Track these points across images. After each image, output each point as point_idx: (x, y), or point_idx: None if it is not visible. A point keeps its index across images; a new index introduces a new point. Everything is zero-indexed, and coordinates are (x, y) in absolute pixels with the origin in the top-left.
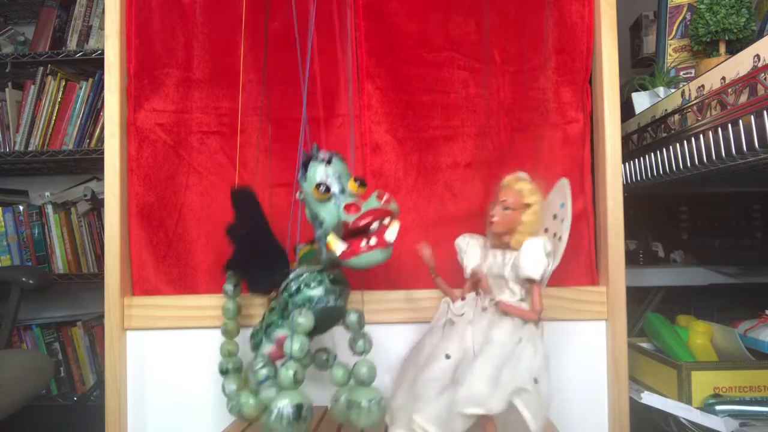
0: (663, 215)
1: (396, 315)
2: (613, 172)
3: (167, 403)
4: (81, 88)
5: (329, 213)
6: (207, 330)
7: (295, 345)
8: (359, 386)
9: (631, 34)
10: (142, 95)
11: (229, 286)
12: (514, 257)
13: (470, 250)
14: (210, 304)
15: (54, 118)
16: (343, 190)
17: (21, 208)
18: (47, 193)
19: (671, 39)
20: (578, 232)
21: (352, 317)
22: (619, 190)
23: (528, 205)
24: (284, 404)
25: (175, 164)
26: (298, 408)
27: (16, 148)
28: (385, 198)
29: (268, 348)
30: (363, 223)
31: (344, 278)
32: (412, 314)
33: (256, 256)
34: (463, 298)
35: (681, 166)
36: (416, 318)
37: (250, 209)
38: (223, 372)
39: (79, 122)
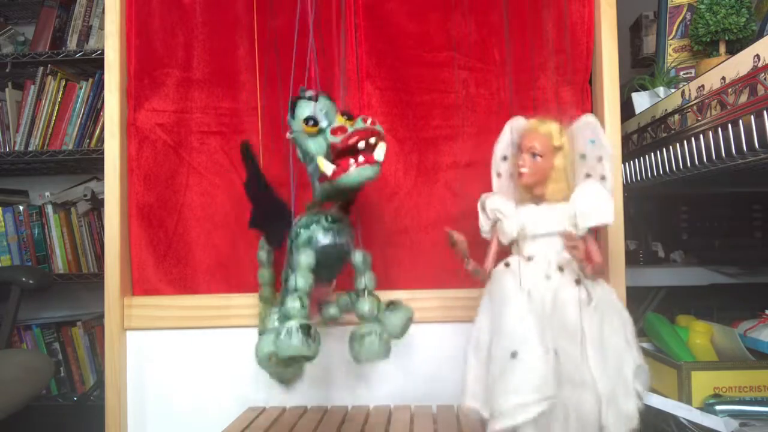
0: (663, 215)
1: None
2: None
3: (167, 403)
4: (81, 88)
5: (319, 146)
6: (207, 330)
7: (300, 280)
8: (362, 321)
9: (631, 34)
10: (142, 95)
11: (262, 254)
12: (563, 208)
13: (506, 209)
14: (210, 304)
15: (54, 118)
16: (330, 125)
17: (21, 208)
18: (47, 193)
19: (671, 39)
20: None
21: (357, 257)
22: (619, 190)
23: (558, 148)
24: (292, 324)
25: (175, 164)
26: (307, 327)
27: (16, 148)
28: (370, 120)
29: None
30: (351, 141)
31: (343, 217)
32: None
33: (265, 213)
34: (507, 265)
35: (681, 166)
36: (416, 318)
37: (252, 167)
38: (261, 334)
39: (79, 122)
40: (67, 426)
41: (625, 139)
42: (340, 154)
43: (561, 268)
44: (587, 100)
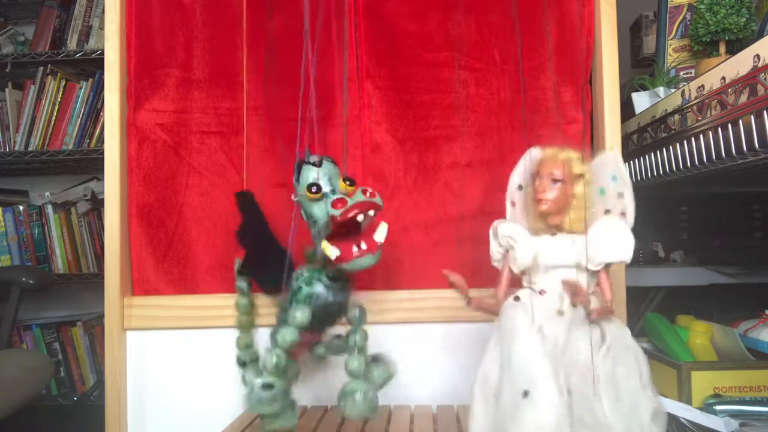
0: (663, 215)
1: (396, 315)
2: None
3: (167, 403)
4: (81, 88)
5: (321, 212)
6: (207, 330)
7: (286, 336)
8: (351, 379)
9: (631, 34)
10: (142, 95)
11: (242, 284)
12: (579, 241)
13: (520, 238)
14: (210, 304)
15: (54, 118)
16: (334, 191)
17: (21, 208)
18: (47, 193)
19: (671, 39)
20: None
21: (354, 313)
22: None
23: (580, 176)
24: (257, 382)
25: (175, 164)
26: (269, 387)
27: (16, 148)
28: (369, 192)
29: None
30: (350, 216)
31: (344, 275)
32: (412, 314)
33: (262, 259)
34: (517, 298)
35: (681, 166)
36: (416, 318)
37: (251, 212)
38: (242, 364)
39: (79, 122)
40: (67, 426)
41: (625, 139)
42: (340, 226)
43: (575, 304)
44: (587, 100)
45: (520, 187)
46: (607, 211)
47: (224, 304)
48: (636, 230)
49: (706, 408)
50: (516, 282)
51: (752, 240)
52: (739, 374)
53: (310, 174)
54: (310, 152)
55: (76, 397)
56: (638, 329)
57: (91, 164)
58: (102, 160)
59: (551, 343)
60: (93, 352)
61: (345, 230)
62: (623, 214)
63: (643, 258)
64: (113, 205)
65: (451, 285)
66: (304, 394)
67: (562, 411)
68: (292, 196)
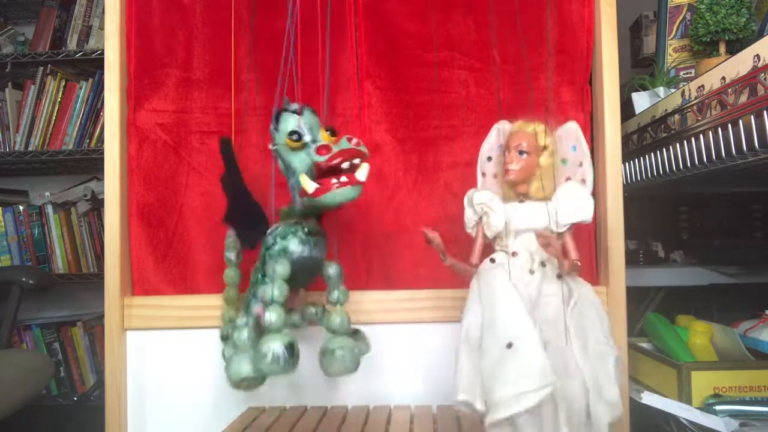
0: (663, 215)
1: (396, 315)
2: (613, 172)
3: (167, 403)
4: (81, 88)
5: (301, 162)
6: (207, 330)
7: (275, 291)
8: (333, 335)
9: (631, 34)
10: (142, 95)
11: (231, 254)
12: (545, 206)
13: (494, 205)
14: (210, 304)
15: (54, 118)
16: (314, 140)
17: (21, 208)
18: (47, 193)
19: (671, 39)
20: (578, 232)
21: (331, 270)
22: (619, 190)
23: (544, 148)
24: (276, 346)
25: (175, 164)
26: (290, 346)
27: (16, 148)
28: (354, 140)
29: (255, 307)
30: (335, 162)
31: (320, 230)
32: (412, 314)
33: (241, 213)
34: (493, 260)
35: (681, 166)
36: (416, 318)
37: (230, 163)
38: (224, 338)
39: (79, 122)
40: (67, 426)
41: (625, 139)
42: (323, 173)
43: (543, 264)
44: (587, 100)
45: (489, 159)
46: (568, 179)
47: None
48: (636, 230)
49: (706, 408)
50: (487, 248)
51: (752, 240)
52: (739, 374)
53: (290, 122)
54: (288, 100)
55: (76, 397)
56: (638, 329)
57: (91, 164)
58: (102, 160)
59: (525, 299)
60: (93, 352)
61: (330, 174)
62: (583, 181)
63: (643, 258)
64: (113, 205)
65: (428, 242)
66: (304, 394)
67: (545, 360)
68: (270, 145)
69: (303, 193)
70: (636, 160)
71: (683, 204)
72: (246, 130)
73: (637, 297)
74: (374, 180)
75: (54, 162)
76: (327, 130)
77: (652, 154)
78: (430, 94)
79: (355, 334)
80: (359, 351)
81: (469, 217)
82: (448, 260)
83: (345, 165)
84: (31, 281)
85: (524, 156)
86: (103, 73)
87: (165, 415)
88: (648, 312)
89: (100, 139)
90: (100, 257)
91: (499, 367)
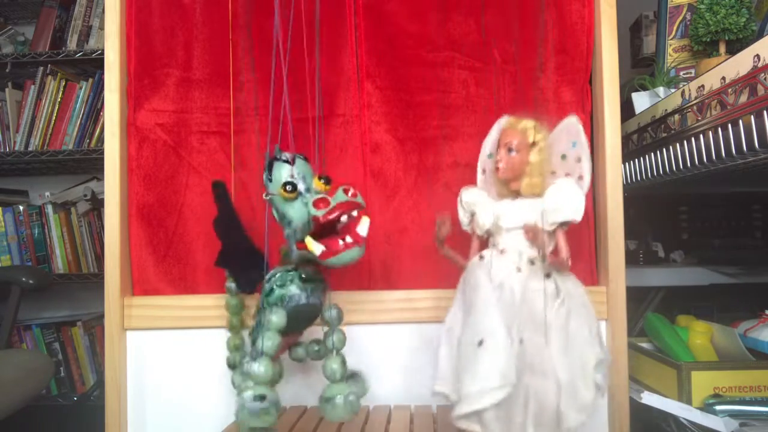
0: (663, 215)
1: (396, 315)
2: (613, 172)
3: (167, 403)
4: (81, 88)
5: (296, 212)
6: (207, 330)
7: (267, 342)
8: (331, 383)
9: (631, 34)
10: (142, 95)
11: (231, 284)
12: (537, 203)
13: (482, 202)
14: (210, 304)
15: (54, 118)
16: (308, 189)
17: (21, 208)
18: (47, 193)
19: (671, 39)
20: (578, 232)
21: (332, 313)
22: (619, 190)
23: (534, 144)
24: (247, 395)
25: (175, 164)
26: (261, 398)
27: (16, 148)
28: (351, 192)
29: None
30: (333, 216)
31: (318, 275)
32: (411, 314)
33: (236, 255)
34: (481, 257)
35: (681, 166)
36: (416, 318)
37: (225, 206)
38: (231, 366)
39: (79, 122)
40: (67, 426)
41: (625, 139)
42: (321, 226)
43: (532, 261)
44: (587, 100)
45: (490, 156)
46: (567, 175)
47: (224, 304)
48: (636, 230)
49: (706, 408)
50: (485, 245)
51: (752, 240)
52: (739, 374)
53: (283, 172)
54: (280, 150)
55: (76, 397)
56: (638, 329)
57: (91, 164)
58: (102, 160)
59: (509, 296)
60: (93, 352)
61: (325, 231)
62: (581, 177)
63: (643, 258)
64: (113, 205)
65: (438, 226)
66: (304, 394)
67: (512, 358)
68: (264, 195)
69: (300, 245)
70: (636, 160)
71: (683, 204)
72: (246, 130)
73: (637, 297)
74: (374, 180)
75: (54, 162)
76: (321, 179)
77: (652, 154)
78: (430, 94)
79: (353, 377)
80: (356, 397)
81: (461, 215)
82: (444, 250)
83: (343, 218)
84: (31, 281)
85: (513, 153)
86: (103, 73)
87: (165, 415)
88: (648, 312)
89: (100, 139)
90: (100, 257)
91: (469, 362)
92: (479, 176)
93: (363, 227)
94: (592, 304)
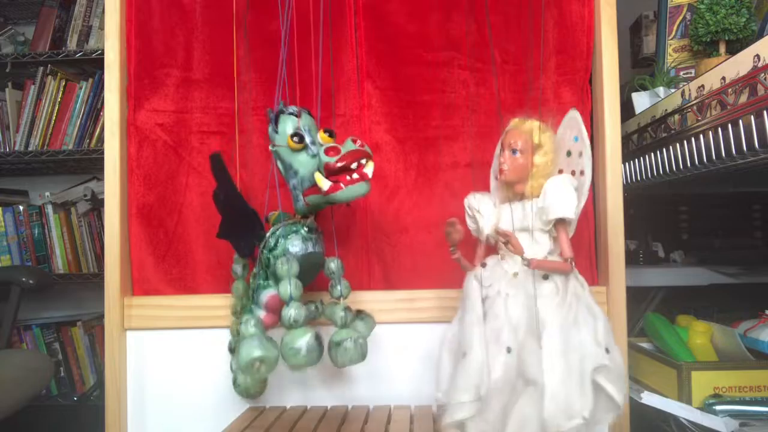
0: (663, 215)
1: (396, 315)
2: (613, 172)
3: (167, 403)
4: (81, 88)
5: (303, 163)
6: (207, 330)
7: (292, 288)
8: (340, 328)
9: (631, 34)
10: (142, 95)
11: (237, 267)
12: (535, 204)
13: (484, 208)
14: (210, 304)
15: (54, 118)
16: (314, 142)
17: (21, 208)
18: (47, 193)
19: (671, 39)
20: (578, 232)
21: (332, 264)
22: (619, 190)
23: (539, 146)
24: (308, 338)
25: (175, 164)
26: (318, 337)
27: (16, 148)
28: (359, 142)
29: (258, 313)
30: (345, 162)
31: (318, 226)
32: (412, 314)
33: (235, 222)
34: (484, 265)
35: (681, 166)
36: (416, 318)
37: (221, 175)
38: (232, 350)
39: (79, 122)
40: (67, 426)
41: (625, 139)
42: (333, 172)
43: (527, 264)
44: (587, 100)
45: None
46: (572, 172)
47: (224, 304)
48: (636, 230)
49: (706, 408)
50: (493, 251)
51: (752, 240)
52: (739, 374)
53: (290, 124)
54: (285, 103)
55: (76, 397)
56: (638, 329)
57: (91, 164)
58: (102, 160)
59: (502, 304)
60: (93, 352)
61: (338, 173)
62: (582, 172)
63: (643, 258)
64: (113, 205)
65: (448, 230)
66: (304, 394)
67: (481, 377)
68: (270, 146)
69: (309, 191)
70: (636, 160)
71: (683, 204)
72: (246, 130)
73: (637, 297)
74: (374, 180)
75: (54, 162)
76: (325, 132)
77: (652, 154)
78: (430, 94)
79: (359, 315)
80: (365, 340)
81: (468, 221)
82: (456, 254)
83: (353, 165)
84: (31, 281)
85: (517, 155)
86: (103, 73)
87: (165, 415)
88: (648, 312)
89: (100, 139)
90: (100, 257)
91: (455, 374)
92: (492, 181)
93: (369, 169)
94: (598, 306)
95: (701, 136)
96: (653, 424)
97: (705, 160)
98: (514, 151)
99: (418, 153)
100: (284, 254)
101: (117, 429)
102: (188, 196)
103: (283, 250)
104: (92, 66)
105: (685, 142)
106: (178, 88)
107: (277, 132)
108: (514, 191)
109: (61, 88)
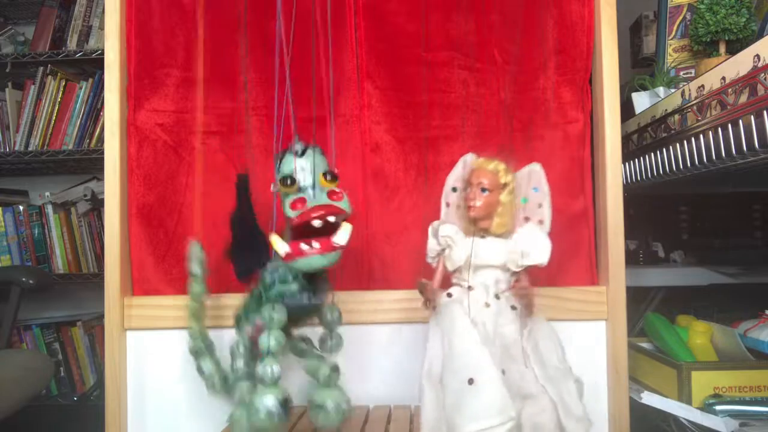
0: (663, 215)
1: (395, 315)
2: (613, 172)
3: (167, 403)
4: (81, 88)
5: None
6: (207, 330)
7: (272, 341)
8: (323, 387)
9: (631, 34)
10: (142, 95)
11: (196, 267)
12: (508, 244)
13: (457, 239)
14: (210, 304)
15: (54, 118)
16: (313, 185)
17: (21, 208)
18: (47, 193)
19: (671, 39)
20: (578, 232)
21: (331, 315)
22: (619, 190)
23: (505, 185)
24: (270, 401)
25: (175, 164)
26: (285, 402)
27: (16, 148)
28: (336, 194)
29: (247, 329)
30: (303, 220)
31: (322, 273)
32: (411, 314)
33: (240, 245)
34: (449, 295)
35: (681, 166)
36: (416, 318)
37: (244, 196)
38: (193, 352)
39: (79, 122)
40: (67, 426)
41: (625, 139)
42: (297, 230)
43: (498, 296)
44: (587, 100)
45: (454, 189)
46: (526, 218)
47: (224, 304)
48: (636, 230)
49: (706, 408)
50: (447, 278)
51: (752, 240)
52: (739, 374)
53: (288, 164)
54: (298, 140)
55: (76, 397)
56: (638, 329)
57: (91, 164)
58: (102, 160)
59: (482, 332)
60: (93, 352)
61: (308, 232)
62: (541, 221)
63: (643, 258)
64: (113, 205)
65: (420, 289)
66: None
67: (505, 392)
68: (272, 186)
69: (292, 243)
70: (636, 160)
71: (683, 204)
72: (246, 130)
73: (637, 297)
74: (374, 180)
75: (54, 162)
76: (326, 175)
77: (652, 154)
78: (430, 94)
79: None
80: (348, 404)
81: (432, 247)
82: (430, 307)
83: (316, 224)
84: (31, 281)
85: (486, 193)
86: (103, 73)
87: (165, 415)
88: (648, 312)
89: (100, 139)
90: (100, 257)
91: (462, 402)
92: (443, 209)
93: (341, 235)
94: (557, 335)
95: (701, 136)
96: (653, 424)
97: (705, 160)
98: (483, 189)
99: (418, 153)
100: (276, 300)
101: (117, 429)
102: (188, 196)
103: (277, 294)
104: (92, 66)
105: (685, 142)
106: (178, 88)
107: (278, 172)
108: (477, 226)
109: (61, 88)
